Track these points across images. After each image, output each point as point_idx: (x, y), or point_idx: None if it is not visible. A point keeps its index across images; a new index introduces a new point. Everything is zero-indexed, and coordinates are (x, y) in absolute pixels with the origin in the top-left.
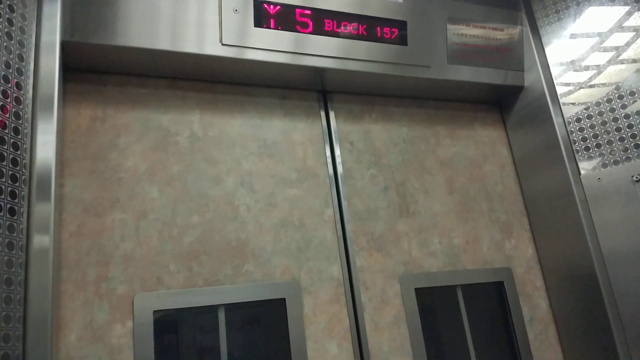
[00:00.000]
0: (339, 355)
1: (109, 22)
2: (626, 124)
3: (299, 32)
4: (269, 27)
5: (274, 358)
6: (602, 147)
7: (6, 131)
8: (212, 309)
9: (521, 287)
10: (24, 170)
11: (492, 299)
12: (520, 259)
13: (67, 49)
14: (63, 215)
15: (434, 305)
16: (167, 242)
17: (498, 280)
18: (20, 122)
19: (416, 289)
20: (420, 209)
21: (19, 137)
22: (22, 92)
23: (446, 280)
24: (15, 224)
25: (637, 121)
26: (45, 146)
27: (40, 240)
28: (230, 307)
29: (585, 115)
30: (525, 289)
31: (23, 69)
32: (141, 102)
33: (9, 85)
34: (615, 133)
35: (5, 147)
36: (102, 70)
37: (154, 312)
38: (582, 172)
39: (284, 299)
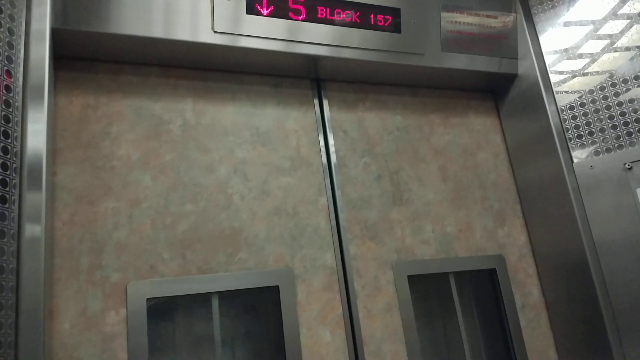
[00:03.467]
0: (332, 342)
1: (101, 9)
2: (619, 112)
3: (292, 19)
4: (261, 15)
5: (268, 345)
6: (595, 135)
7: None
8: (205, 297)
9: (513, 275)
10: (14, 159)
11: (485, 286)
12: (512, 247)
13: (57, 37)
14: (56, 204)
15: (426, 293)
16: (161, 230)
17: (491, 268)
18: (10, 110)
19: (409, 277)
20: (414, 197)
21: (10, 125)
22: (12, 80)
23: (439, 267)
24: (6, 212)
25: (630, 109)
26: (36, 134)
27: (32, 229)
28: (223, 295)
29: (579, 103)
30: (517, 276)
31: (13, 57)
32: (133, 90)
33: None
34: (608, 121)
35: None
36: (93, 57)
37: (148, 299)
38: (575, 160)
39: (278, 287)
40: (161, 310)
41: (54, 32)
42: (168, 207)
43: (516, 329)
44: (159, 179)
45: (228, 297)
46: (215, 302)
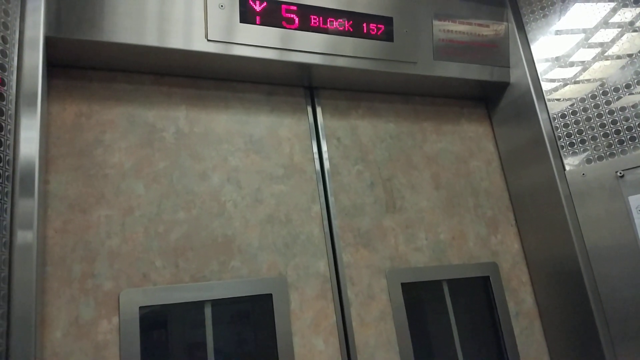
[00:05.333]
0: (325, 350)
1: (95, 17)
2: (610, 120)
3: (285, 28)
4: (254, 23)
5: (261, 354)
6: (587, 143)
7: None
8: (198, 305)
9: (507, 282)
10: (7, 167)
11: (478, 293)
12: (506, 254)
13: (51, 45)
14: (48, 212)
15: (420, 300)
16: (153, 239)
17: (484, 275)
18: (3, 118)
19: (402, 284)
20: (407, 205)
21: (2, 133)
22: (5, 88)
23: (432, 275)
24: None
25: (621, 117)
26: (29, 142)
27: (24, 237)
28: (216, 303)
29: (570, 111)
30: (511, 283)
31: (6, 65)
32: (127, 98)
33: None
34: (600, 129)
35: None
36: (87, 66)
37: (140, 308)
38: (567, 167)
39: (271, 295)
40: (154, 318)
41: (47, 40)
42: (161, 215)
43: (510, 337)
44: (152, 187)
45: (221, 305)
46: (208, 311)
